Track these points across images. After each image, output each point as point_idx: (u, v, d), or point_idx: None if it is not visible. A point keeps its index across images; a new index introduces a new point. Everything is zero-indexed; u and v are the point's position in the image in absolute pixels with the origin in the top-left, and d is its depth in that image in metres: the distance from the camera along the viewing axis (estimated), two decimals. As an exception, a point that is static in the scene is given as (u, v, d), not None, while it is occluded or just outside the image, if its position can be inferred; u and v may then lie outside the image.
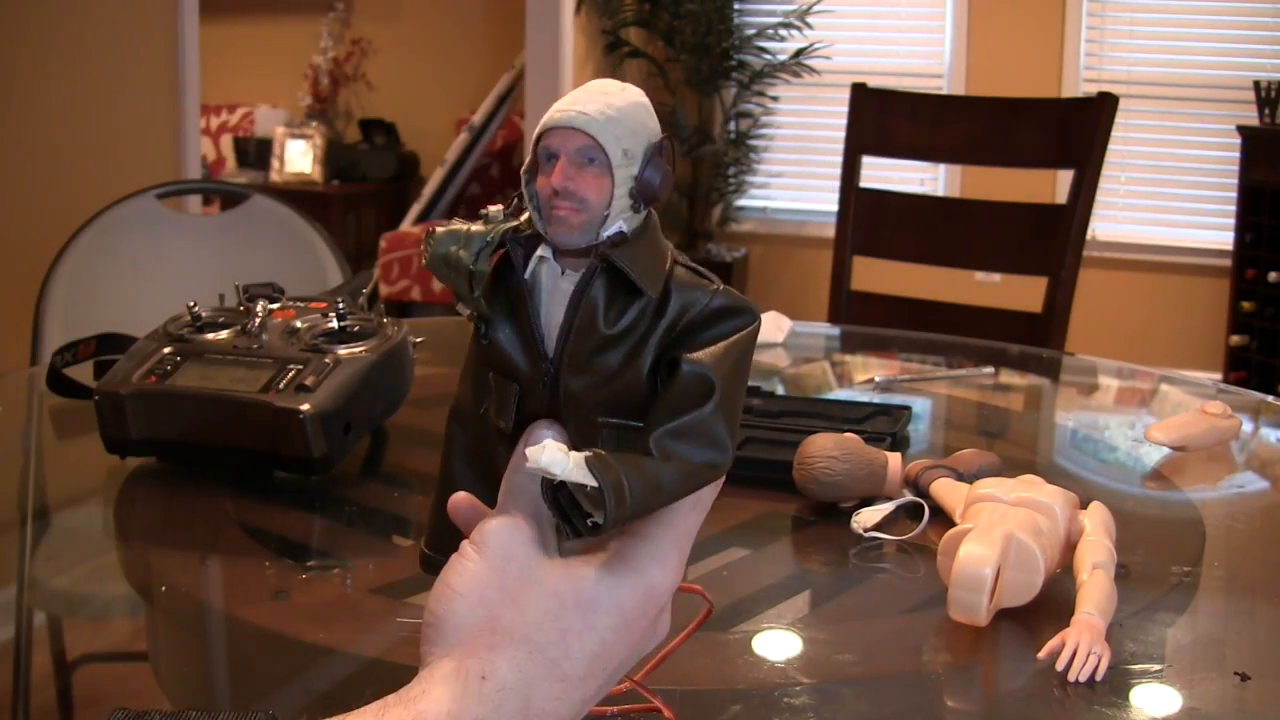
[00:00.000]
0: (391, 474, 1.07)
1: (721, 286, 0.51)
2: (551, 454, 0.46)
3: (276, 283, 1.11)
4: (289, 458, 0.94)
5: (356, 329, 1.04)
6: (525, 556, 0.49)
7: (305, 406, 0.93)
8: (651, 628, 0.52)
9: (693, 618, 0.62)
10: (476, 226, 0.52)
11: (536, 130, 0.50)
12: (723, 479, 0.51)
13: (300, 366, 0.97)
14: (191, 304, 1.05)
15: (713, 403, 0.49)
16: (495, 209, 0.52)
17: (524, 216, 0.51)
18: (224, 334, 1.02)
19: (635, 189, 0.50)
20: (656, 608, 0.51)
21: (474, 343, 0.54)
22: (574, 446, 0.48)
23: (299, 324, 1.03)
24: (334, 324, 1.03)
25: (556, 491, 0.48)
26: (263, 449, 0.95)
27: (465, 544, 0.50)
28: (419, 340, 1.09)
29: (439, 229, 0.52)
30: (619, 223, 0.50)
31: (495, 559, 0.49)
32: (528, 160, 0.51)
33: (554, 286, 0.51)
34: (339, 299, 1.05)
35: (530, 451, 0.46)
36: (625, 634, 0.50)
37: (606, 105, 0.49)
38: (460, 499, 0.53)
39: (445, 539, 0.54)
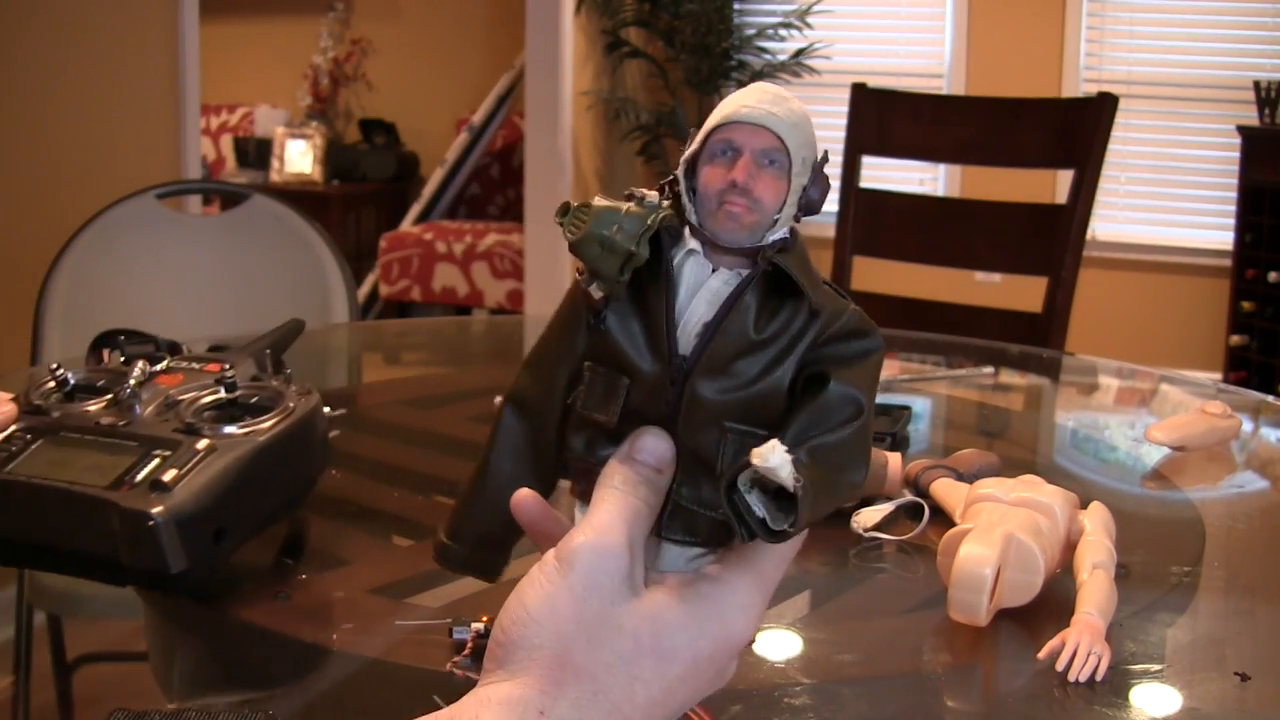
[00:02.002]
0: (392, 474, 1.07)
1: (854, 306, 0.50)
2: (780, 456, 0.43)
3: (170, 339, 0.93)
4: (142, 571, 0.73)
5: (253, 400, 0.84)
6: (610, 591, 0.46)
7: (158, 509, 0.72)
8: (719, 673, 0.50)
9: None
10: (631, 207, 0.48)
11: (714, 121, 0.48)
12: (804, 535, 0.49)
13: (167, 453, 0.76)
14: (54, 366, 0.84)
15: (860, 422, 0.48)
16: (651, 194, 0.49)
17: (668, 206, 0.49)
18: (93, 405, 0.82)
19: (803, 199, 0.49)
20: (729, 657, 0.50)
21: (557, 332, 0.51)
22: (683, 450, 0.47)
23: (182, 394, 0.83)
24: (222, 394, 0.83)
25: (732, 493, 0.45)
26: (114, 557, 0.73)
27: (549, 557, 0.47)
28: (337, 413, 0.97)
29: (595, 203, 0.48)
30: (784, 229, 0.49)
31: (578, 588, 0.46)
32: (691, 149, 0.48)
33: (698, 283, 0.48)
34: (255, 352, 0.89)
35: (761, 450, 0.43)
36: (692, 680, 0.48)
37: (790, 111, 0.48)
38: (526, 497, 0.51)
39: (468, 531, 0.53)
